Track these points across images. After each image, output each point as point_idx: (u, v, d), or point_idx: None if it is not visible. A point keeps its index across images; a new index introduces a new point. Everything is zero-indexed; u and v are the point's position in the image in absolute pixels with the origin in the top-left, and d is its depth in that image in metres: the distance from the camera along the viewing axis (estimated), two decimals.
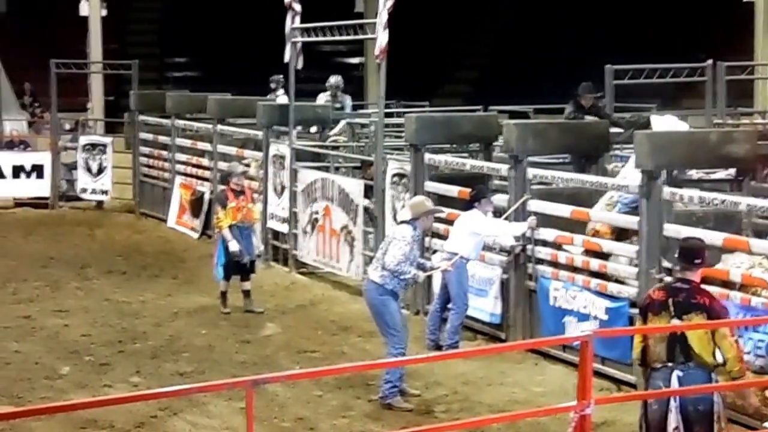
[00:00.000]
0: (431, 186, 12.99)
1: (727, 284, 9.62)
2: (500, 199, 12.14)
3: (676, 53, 19.17)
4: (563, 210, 11.37)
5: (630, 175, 11.05)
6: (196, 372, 10.94)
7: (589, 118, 12.79)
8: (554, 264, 11.38)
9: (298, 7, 15.09)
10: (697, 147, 10.75)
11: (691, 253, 8.09)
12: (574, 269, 11.19)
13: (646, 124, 12.52)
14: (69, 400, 9.46)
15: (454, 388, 10.50)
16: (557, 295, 11.19)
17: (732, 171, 11.23)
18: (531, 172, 11.76)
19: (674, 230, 10.08)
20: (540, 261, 11.54)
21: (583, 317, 10.78)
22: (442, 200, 12.89)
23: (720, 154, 10.67)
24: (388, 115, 16.61)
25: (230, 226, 13.23)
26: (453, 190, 12.73)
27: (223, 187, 13.80)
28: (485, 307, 12.11)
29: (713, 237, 9.68)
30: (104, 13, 26.06)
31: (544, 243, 11.48)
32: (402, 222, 10.48)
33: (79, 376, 10.84)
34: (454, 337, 11.56)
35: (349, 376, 10.49)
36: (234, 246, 13.14)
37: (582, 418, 6.74)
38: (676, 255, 8.20)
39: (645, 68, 15.50)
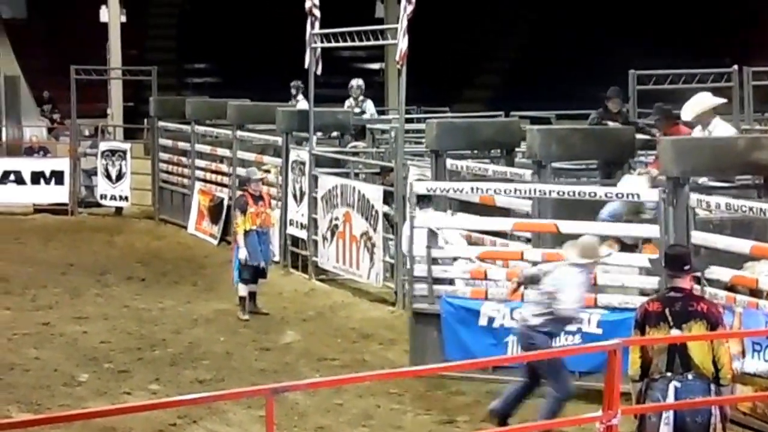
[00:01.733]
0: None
1: (755, 293, 9.48)
2: (524, 205, 12.02)
3: (701, 58, 18.98)
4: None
5: (628, 186, 10.87)
6: (215, 379, 10.86)
7: (612, 124, 12.66)
8: None
9: (318, 12, 15.03)
10: (724, 153, 10.60)
11: (679, 260, 7.96)
12: None
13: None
14: (88, 408, 9.41)
15: (477, 397, 10.38)
16: None
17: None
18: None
19: (701, 238, 9.94)
20: None
21: None
22: (463, 206, 12.80)
23: (747, 160, 10.50)
24: (409, 120, 16.50)
25: (248, 231, 13.29)
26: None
27: (241, 192, 13.82)
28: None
29: (741, 245, 9.54)
30: (124, 19, 26.13)
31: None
32: (572, 264, 9.49)
33: (98, 384, 10.79)
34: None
35: (369, 385, 10.39)
36: (242, 253, 13.26)
37: (608, 429, 6.64)
38: (663, 264, 8.05)
39: (669, 73, 15.36)
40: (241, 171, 16.25)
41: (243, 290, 13.35)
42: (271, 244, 13.79)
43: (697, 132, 11.72)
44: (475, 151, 13.98)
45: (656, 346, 7.72)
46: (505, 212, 12.45)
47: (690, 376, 7.66)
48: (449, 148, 13.18)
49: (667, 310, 7.74)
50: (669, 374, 7.67)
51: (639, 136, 12.63)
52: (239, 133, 17.69)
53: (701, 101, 11.80)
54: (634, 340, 7.86)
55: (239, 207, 13.58)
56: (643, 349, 7.77)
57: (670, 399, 7.65)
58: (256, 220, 13.38)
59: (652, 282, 10.16)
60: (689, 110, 11.74)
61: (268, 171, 15.86)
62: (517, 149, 13.38)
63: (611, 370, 6.61)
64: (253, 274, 13.38)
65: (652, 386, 7.74)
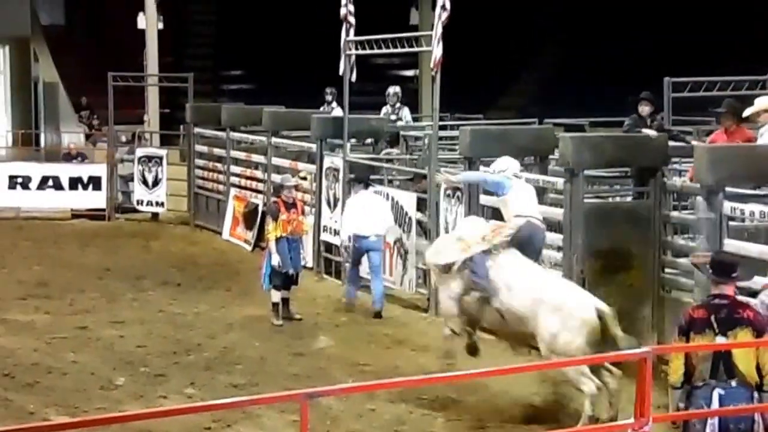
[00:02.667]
0: (485, 199, 12.93)
1: None
2: (556, 213, 12.05)
3: (734, 65, 18.90)
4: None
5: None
6: (249, 384, 10.95)
7: (647, 131, 12.64)
8: None
9: (352, 19, 15.11)
10: (759, 161, 10.57)
11: (729, 267, 7.95)
12: None
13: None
14: (124, 411, 9.51)
15: (509, 403, 10.40)
16: None
17: None
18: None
19: (735, 246, 9.92)
20: None
21: None
22: (495, 214, 12.84)
23: None
24: (442, 127, 16.56)
25: (279, 239, 13.32)
26: None
27: (275, 199, 13.87)
28: None
29: None
30: (161, 26, 26.31)
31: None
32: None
33: (134, 387, 10.90)
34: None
35: (401, 391, 10.44)
36: (275, 259, 13.29)
37: None
38: (710, 270, 8.05)
39: (704, 81, 15.31)
40: (276, 177, 16.34)
41: (275, 296, 13.43)
42: (303, 251, 13.79)
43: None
44: None
45: (700, 353, 7.72)
46: None
47: (734, 383, 7.63)
48: (483, 155, 13.20)
49: (712, 317, 7.71)
50: (713, 381, 7.65)
51: (673, 143, 12.61)
52: (274, 139, 17.80)
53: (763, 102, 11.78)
54: (672, 348, 7.87)
55: (271, 214, 13.63)
56: (686, 356, 7.75)
57: (715, 406, 7.63)
58: (287, 227, 13.37)
59: None
60: (752, 108, 11.74)
61: (304, 178, 15.93)
62: (550, 156, 13.39)
63: (642, 378, 6.64)
64: (285, 280, 13.42)
65: (695, 393, 7.71)
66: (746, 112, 11.92)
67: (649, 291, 11.72)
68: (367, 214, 13.82)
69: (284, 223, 13.38)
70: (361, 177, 14.63)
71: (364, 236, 13.76)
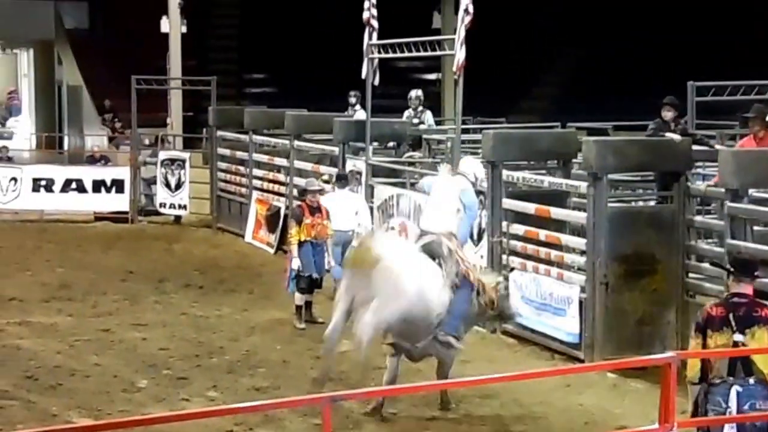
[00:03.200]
0: (508, 203, 12.91)
1: None
2: (579, 217, 12.02)
3: (759, 67, 18.80)
4: None
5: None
6: (271, 387, 10.95)
7: (670, 135, 12.59)
8: None
9: (376, 23, 15.12)
10: None
11: (750, 266, 7.96)
12: None
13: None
14: (147, 414, 9.52)
15: (531, 408, 10.38)
16: None
17: None
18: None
19: (756, 249, 9.88)
20: None
21: None
22: (518, 217, 12.81)
23: None
24: (465, 131, 16.53)
25: (303, 242, 13.31)
26: (530, 208, 12.63)
27: (299, 202, 13.86)
28: (563, 326, 11.98)
29: None
30: (184, 29, 26.38)
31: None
32: None
33: (156, 390, 10.91)
34: None
35: (424, 394, 10.42)
36: (296, 263, 13.30)
37: None
38: (731, 268, 8.03)
39: (728, 85, 15.24)
40: (299, 181, 16.35)
41: (299, 299, 13.45)
42: (327, 255, 13.79)
43: None
44: (532, 162, 13.98)
45: (717, 350, 7.71)
46: (561, 225, 12.47)
47: (751, 381, 7.62)
48: (505, 159, 13.19)
49: (730, 315, 7.72)
50: (730, 379, 7.65)
51: (697, 147, 12.56)
52: (296, 142, 17.82)
53: None
54: (698, 353, 7.86)
55: (294, 217, 13.64)
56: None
57: (732, 403, 7.62)
58: (311, 231, 13.37)
59: None
60: None
61: (327, 181, 15.92)
62: (573, 160, 13.35)
63: (666, 383, 6.60)
64: (308, 284, 13.44)
65: (712, 391, 7.72)
66: None
67: (673, 296, 11.67)
68: (341, 209, 13.96)
69: (308, 227, 13.37)
70: (341, 174, 14.87)
71: (339, 230, 13.87)
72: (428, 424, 10.00)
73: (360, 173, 15.65)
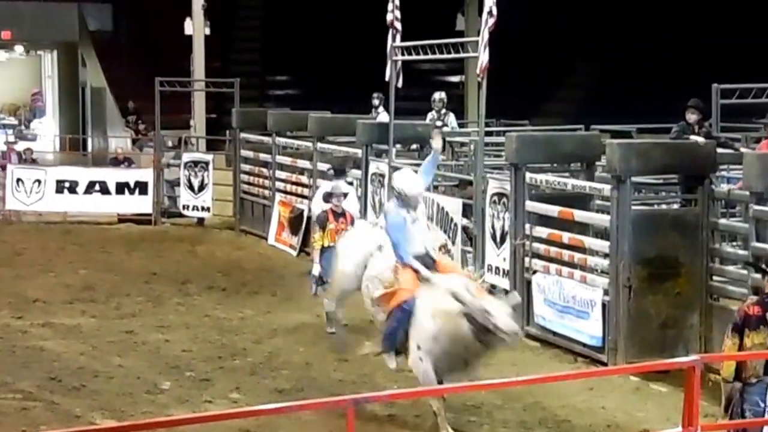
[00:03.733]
0: (531, 206, 12.88)
1: None
2: (603, 220, 11.98)
3: None
4: None
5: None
6: (294, 389, 10.96)
7: (695, 138, 12.53)
8: None
9: (399, 25, 15.11)
10: None
11: None
12: None
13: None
14: (170, 415, 9.55)
15: (554, 411, 10.36)
16: None
17: None
18: None
19: None
20: None
21: None
22: (541, 220, 12.78)
23: None
24: (488, 133, 16.49)
25: (326, 248, 13.03)
26: (554, 210, 12.60)
27: (326, 207, 13.58)
28: (586, 329, 11.94)
29: None
30: (208, 31, 26.45)
31: None
32: None
33: (179, 391, 10.94)
34: None
35: (446, 397, 10.38)
36: (316, 269, 13.10)
37: None
38: (766, 267, 8.04)
39: (753, 87, 15.17)
40: (322, 184, 16.35)
41: (328, 305, 13.15)
42: None
43: None
44: (555, 165, 13.95)
45: (753, 350, 7.71)
46: (584, 228, 12.44)
47: None
48: (529, 162, 13.15)
49: (767, 314, 7.74)
50: (767, 378, 7.65)
51: (721, 150, 12.50)
52: (319, 145, 17.83)
53: None
54: (722, 357, 7.85)
55: (319, 222, 13.40)
56: (740, 351, 7.81)
57: None
58: (335, 236, 12.99)
59: None
60: None
61: (351, 183, 15.93)
62: (597, 163, 13.31)
63: (690, 386, 6.57)
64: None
65: (749, 390, 7.74)
66: None
67: (697, 299, 11.62)
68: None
69: (332, 232, 13.11)
70: (337, 168, 14.96)
71: None
72: (451, 426, 9.96)
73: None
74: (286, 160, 19.06)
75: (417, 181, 10.10)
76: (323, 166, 16.74)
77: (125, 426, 6.25)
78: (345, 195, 13.67)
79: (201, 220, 21.24)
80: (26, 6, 27.62)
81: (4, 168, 21.86)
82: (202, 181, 20.97)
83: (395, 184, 10.09)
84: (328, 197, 13.61)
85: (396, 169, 15.51)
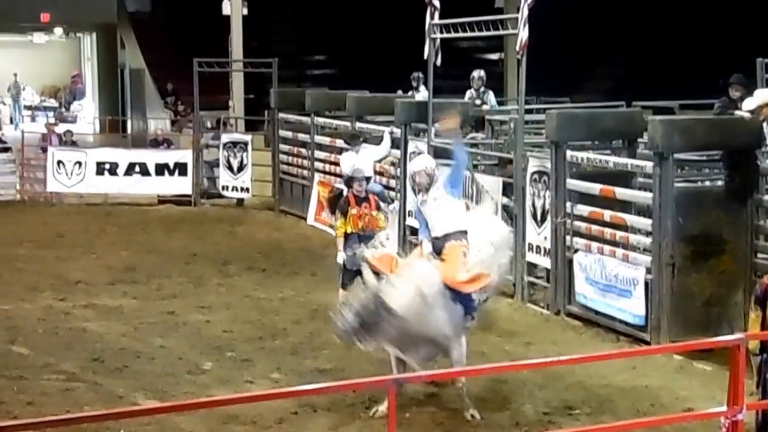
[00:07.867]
0: (572, 184, 12.77)
1: None
2: (645, 197, 11.86)
3: None
4: None
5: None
6: (335, 369, 10.95)
7: (740, 113, 12.36)
8: None
9: (437, 3, 15.01)
10: None
11: None
12: None
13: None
14: (212, 396, 9.57)
15: (596, 390, 10.28)
16: None
17: None
18: None
19: None
20: None
21: None
22: (583, 198, 12.68)
23: None
24: (528, 111, 16.35)
25: (350, 234, 12.48)
26: (595, 188, 12.49)
27: (346, 192, 12.97)
28: (629, 308, 11.85)
29: None
30: (245, 12, 26.44)
31: None
32: None
33: (221, 372, 10.96)
34: None
35: (487, 376, 10.34)
36: (340, 258, 12.56)
37: (734, 424, 6.52)
38: None
39: None
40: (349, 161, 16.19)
41: (342, 296, 12.12)
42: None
43: None
44: (596, 142, 13.82)
45: None
46: (626, 205, 12.33)
47: None
48: (569, 139, 13.05)
49: None
50: None
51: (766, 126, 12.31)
52: (358, 124, 17.78)
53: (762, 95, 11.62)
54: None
55: (340, 208, 12.67)
56: (763, 323, 7.78)
57: None
58: (358, 222, 12.46)
59: None
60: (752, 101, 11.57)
61: (392, 164, 15.86)
62: (638, 140, 13.18)
63: (735, 365, 6.49)
64: (353, 279, 12.13)
65: None
66: (745, 105, 11.68)
67: (741, 276, 11.50)
68: (359, 160, 14.14)
69: (354, 218, 12.45)
70: (353, 134, 15.58)
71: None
72: (492, 407, 9.92)
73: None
74: (325, 140, 19.04)
75: (417, 160, 10.33)
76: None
77: (168, 407, 6.26)
78: (368, 179, 13.12)
79: (240, 201, 21.28)
80: None
81: (45, 150, 22.01)
82: (241, 161, 21.00)
83: (412, 166, 10.31)
84: (350, 181, 12.88)
85: (435, 148, 15.48)
